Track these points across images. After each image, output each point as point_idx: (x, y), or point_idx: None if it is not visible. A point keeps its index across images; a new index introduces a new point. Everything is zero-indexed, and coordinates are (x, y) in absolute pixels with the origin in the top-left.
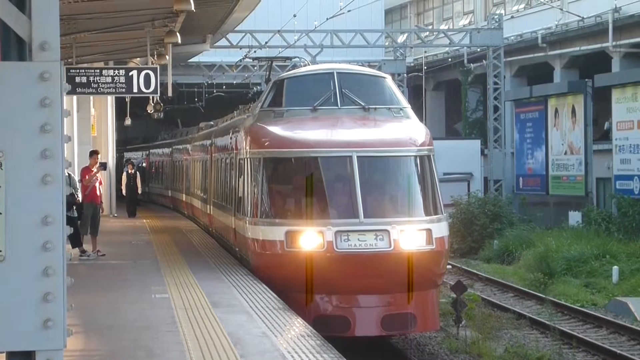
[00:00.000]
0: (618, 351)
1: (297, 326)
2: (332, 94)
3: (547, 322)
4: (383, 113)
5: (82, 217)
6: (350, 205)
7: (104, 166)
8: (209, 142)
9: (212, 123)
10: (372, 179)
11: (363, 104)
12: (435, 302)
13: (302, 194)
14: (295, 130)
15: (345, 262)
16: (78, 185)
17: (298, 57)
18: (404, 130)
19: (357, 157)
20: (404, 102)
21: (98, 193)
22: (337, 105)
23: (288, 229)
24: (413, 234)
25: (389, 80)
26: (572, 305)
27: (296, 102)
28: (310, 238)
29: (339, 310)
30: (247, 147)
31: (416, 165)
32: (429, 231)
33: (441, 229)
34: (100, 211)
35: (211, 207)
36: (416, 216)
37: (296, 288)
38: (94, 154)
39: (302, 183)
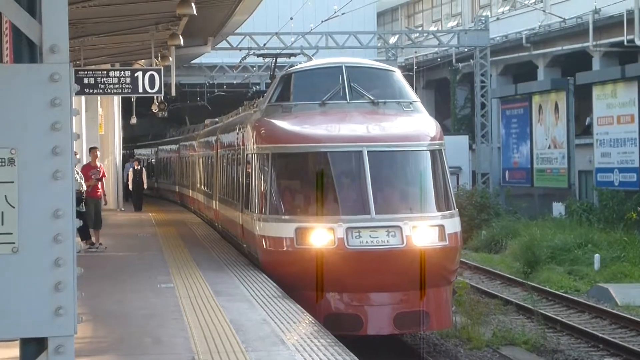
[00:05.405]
0: (600, 334)
1: (296, 313)
2: (340, 88)
3: (532, 308)
4: (393, 107)
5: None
6: (361, 201)
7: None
8: (214, 138)
9: (217, 120)
10: (383, 174)
11: (372, 98)
12: (448, 300)
13: (311, 189)
14: (304, 125)
15: (357, 259)
16: (83, 182)
17: (302, 54)
18: (415, 124)
19: (368, 152)
20: (413, 96)
21: (98, 188)
22: (346, 100)
23: (298, 226)
24: (426, 230)
25: (398, 74)
26: (556, 292)
27: (304, 97)
28: (321, 235)
29: (350, 308)
30: (255, 143)
31: (427, 160)
32: (441, 227)
33: (454, 225)
34: (104, 203)
35: (217, 202)
36: (428, 212)
37: (307, 286)
38: (93, 149)
39: (311, 179)
